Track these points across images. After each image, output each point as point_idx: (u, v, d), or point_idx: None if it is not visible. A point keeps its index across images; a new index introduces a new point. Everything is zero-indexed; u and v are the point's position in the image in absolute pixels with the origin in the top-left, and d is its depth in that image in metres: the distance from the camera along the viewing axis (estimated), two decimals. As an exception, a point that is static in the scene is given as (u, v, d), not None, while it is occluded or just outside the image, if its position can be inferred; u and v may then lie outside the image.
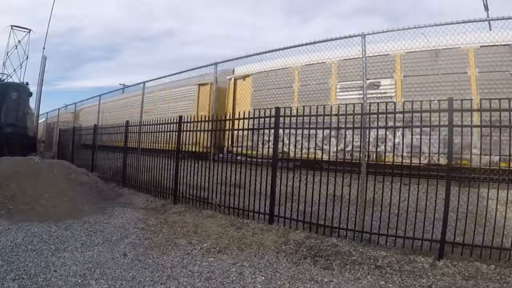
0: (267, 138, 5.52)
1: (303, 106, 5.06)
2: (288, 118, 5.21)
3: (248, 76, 10.15)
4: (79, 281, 3.07)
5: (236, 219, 5.42)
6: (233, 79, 10.77)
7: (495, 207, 3.65)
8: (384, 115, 4.45)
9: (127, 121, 9.30)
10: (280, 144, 5.50)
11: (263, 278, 3.28)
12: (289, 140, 5.47)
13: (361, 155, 4.73)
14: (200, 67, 7.96)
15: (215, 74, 7.40)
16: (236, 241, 4.35)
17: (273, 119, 5.37)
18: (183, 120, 6.97)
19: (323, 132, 5.39)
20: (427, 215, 4.01)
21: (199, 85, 11.38)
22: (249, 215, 5.45)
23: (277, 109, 5.37)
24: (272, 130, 5.40)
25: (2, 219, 4.88)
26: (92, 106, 17.60)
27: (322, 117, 4.82)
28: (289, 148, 5.86)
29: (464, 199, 3.83)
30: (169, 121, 7.34)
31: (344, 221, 4.58)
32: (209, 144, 6.69)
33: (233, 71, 10.63)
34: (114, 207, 6.22)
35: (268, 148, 5.54)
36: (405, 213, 4.12)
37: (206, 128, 6.56)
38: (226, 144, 8.86)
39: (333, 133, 4.92)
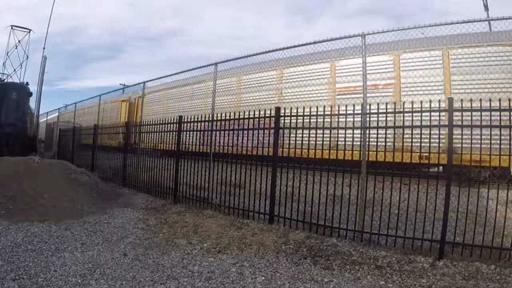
0: None
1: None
2: None
3: None
4: (79, 281, 3.07)
5: (236, 219, 5.42)
6: None
7: (495, 207, 3.66)
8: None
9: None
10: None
11: (263, 278, 3.28)
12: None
13: (361, 154, 4.73)
14: (200, 67, 7.99)
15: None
16: (236, 241, 4.35)
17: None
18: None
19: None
20: (427, 215, 4.01)
21: None
22: (249, 215, 5.45)
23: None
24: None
25: (2, 219, 4.87)
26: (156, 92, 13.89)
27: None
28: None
29: (464, 199, 3.83)
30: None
31: (344, 221, 4.58)
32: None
33: None
34: (114, 207, 6.22)
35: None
36: (405, 213, 4.12)
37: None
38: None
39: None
